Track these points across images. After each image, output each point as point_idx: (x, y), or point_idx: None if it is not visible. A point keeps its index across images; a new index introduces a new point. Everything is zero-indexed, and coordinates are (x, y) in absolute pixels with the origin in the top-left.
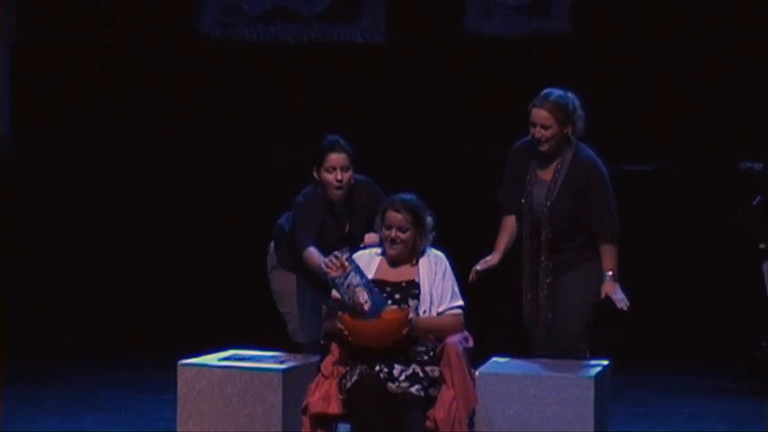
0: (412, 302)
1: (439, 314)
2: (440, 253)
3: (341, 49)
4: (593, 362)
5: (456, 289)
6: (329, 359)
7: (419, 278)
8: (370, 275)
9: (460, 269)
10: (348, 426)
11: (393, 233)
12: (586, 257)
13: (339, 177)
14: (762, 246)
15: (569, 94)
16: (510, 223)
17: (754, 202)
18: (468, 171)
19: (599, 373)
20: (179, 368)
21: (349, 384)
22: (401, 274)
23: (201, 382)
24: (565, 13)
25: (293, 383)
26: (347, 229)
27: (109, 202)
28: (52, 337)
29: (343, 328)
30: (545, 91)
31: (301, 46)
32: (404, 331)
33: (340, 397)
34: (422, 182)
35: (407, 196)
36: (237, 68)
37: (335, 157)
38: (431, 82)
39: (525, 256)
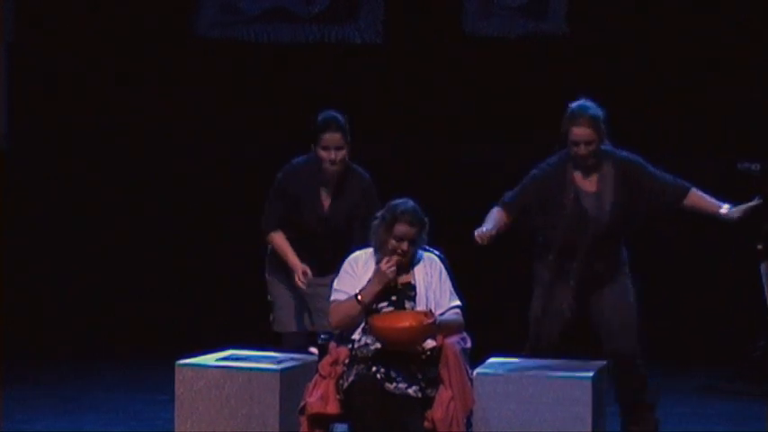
0: (408, 304)
1: (440, 315)
2: (433, 255)
3: (339, 49)
4: (591, 362)
5: (453, 289)
6: (327, 359)
7: (415, 280)
8: (365, 277)
9: (456, 270)
10: (345, 426)
11: (405, 246)
12: (621, 269)
13: (332, 157)
14: (759, 246)
15: (593, 104)
16: (502, 217)
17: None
18: (466, 171)
19: (596, 374)
20: (176, 368)
21: (346, 385)
22: (397, 276)
23: (199, 383)
24: (562, 14)
25: (291, 384)
26: (326, 209)
27: (107, 202)
28: (49, 338)
29: (373, 330)
30: (575, 107)
31: (299, 46)
32: (427, 337)
33: (338, 397)
34: (420, 182)
35: (412, 205)
36: (235, 68)
37: (329, 137)
38: (428, 82)
39: (553, 267)
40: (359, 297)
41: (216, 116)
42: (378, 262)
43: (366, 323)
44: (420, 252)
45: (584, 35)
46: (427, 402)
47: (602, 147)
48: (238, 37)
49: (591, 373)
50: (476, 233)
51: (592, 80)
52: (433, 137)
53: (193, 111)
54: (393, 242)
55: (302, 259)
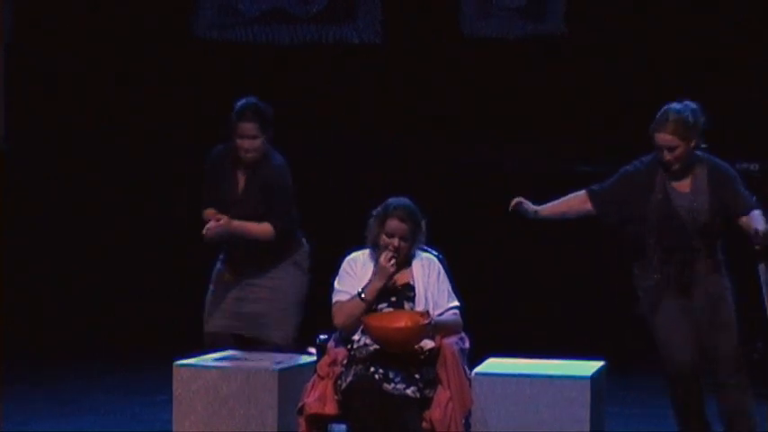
0: (407, 305)
1: (438, 316)
2: (431, 255)
3: (337, 49)
4: (589, 363)
5: (451, 290)
6: (325, 359)
7: (413, 280)
8: (365, 278)
9: (455, 270)
10: (343, 426)
11: (396, 242)
12: (717, 268)
13: (246, 146)
14: (757, 247)
15: (686, 105)
16: (580, 202)
17: None
18: (464, 171)
19: (595, 374)
20: (174, 368)
21: (345, 385)
22: (396, 277)
23: (197, 383)
24: (561, 15)
25: (289, 384)
26: (239, 193)
27: (107, 202)
28: (47, 339)
29: (368, 329)
30: (662, 110)
31: (297, 47)
32: (423, 338)
33: (336, 398)
34: (418, 182)
35: (405, 202)
36: (233, 70)
37: (244, 126)
38: (426, 83)
39: (653, 269)
40: (362, 295)
41: (213, 117)
42: (375, 263)
43: (362, 323)
44: (419, 252)
45: (582, 36)
46: (425, 403)
47: (696, 152)
48: (237, 38)
49: (589, 374)
50: (519, 200)
51: (590, 81)
52: (432, 137)
53: (193, 111)
54: (385, 238)
55: (228, 255)
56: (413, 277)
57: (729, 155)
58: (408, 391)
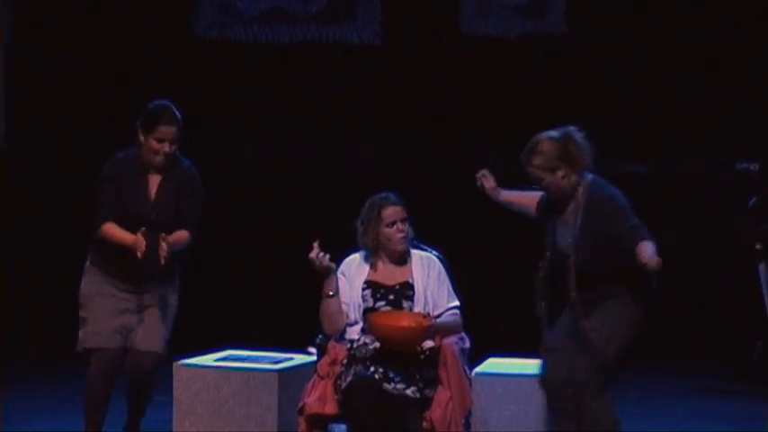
0: (406, 304)
1: (437, 316)
2: (432, 255)
3: (337, 49)
4: None
5: (451, 289)
6: (325, 359)
7: (413, 279)
8: (362, 278)
9: (455, 270)
10: (344, 426)
11: (400, 226)
12: (610, 296)
13: (166, 150)
14: (758, 247)
15: (560, 133)
16: (528, 204)
17: (750, 203)
18: (464, 171)
19: None
20: (175, 368)
21: (345, 385)
22: (394, 276)
23: (197, 383)
24: (561, 13)
25: (289, 384)
26: (153, 199)
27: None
28: (47, 338)
29: (371, 326)
30: (531, 141)
31: (297, 46)
32: (424, 339)
33: (336, 397)
34: (418, 182)
35: (388, 193)
36: (233, 69)
37: (165, 130)
38: (426, 82)
39: (541, 295)
40: (330, 293)
41: (213, 116)
42: (371, 264)
43: (365, 321)
44: (417, 251)
45: (582, 35)
46: (426, 403)
47: (593, 179)
48: (236, 37)
49: None
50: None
51: (590, 80)
52: (432, 137)
53: (191, 111)
54: (387, 230)
55: (123, 266)
56: (412, 276)
57: (729, 155)
58: (408, 391)
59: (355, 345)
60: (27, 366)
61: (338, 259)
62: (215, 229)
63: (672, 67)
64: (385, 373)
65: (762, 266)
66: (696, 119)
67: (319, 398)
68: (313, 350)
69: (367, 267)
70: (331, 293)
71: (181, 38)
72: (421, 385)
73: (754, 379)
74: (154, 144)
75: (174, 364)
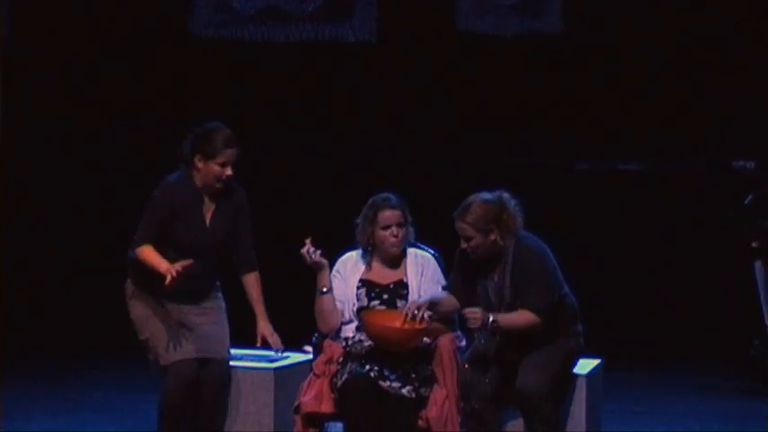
0: (400, 303)
1: (431, 316)
2: (427, 254)
3: (333, 47)
4: (586, 360)
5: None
6: (321, 358)
7: (407, 278)
8: (357, 276)
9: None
10: (339, 425)
11: (394, 230)
12: (542, 342)
13: (229, 173)
14: (754, 244)
15: (496, 197)
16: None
17: (746, 201)
18: (461, 169)
19: (591, 372)
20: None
21: (340, 383)
22: (388, 275)
23: None
24: (557, 12)
25: (285, 382)
26: (208, 224)
27: (100, 200)
28: (47, 338)
29: (365, 326)
30: (467, 200)
31: (293, 45)
32: (418, 341)
33: (332, 396)
34: (419, 182)
35: (390, 194)
36: (229, 68)
37: (231, 153)
38: (423, 80)
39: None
40: (323, 290)
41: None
42: (366, 263)
43: (359, 320)
44: (412, 250)
45: (579, 33)
46: (421, 402)
47: (523, 239)
48: (233, 36)
49: (585, 372)
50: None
51: (587, 78)
52: (432, 138)
53: (186, 110)
54: (382, 232)
55: (174, 286)
56: (406, 275)
57: (728, 154)
58: (404, 390)
59: (350, 342)
60: (27, 366)
61: (334, 257)
62: None
63: (672, 68)
64: (381, 372)
65: (758, 264)
66: (692, 117)
67: (315, 396)
68: (309, 348)
69: (362, 266)
70: (324, 289)
71: (176, 37)
72: (417, 384)
73: (752, 377)
74: (216, 169)
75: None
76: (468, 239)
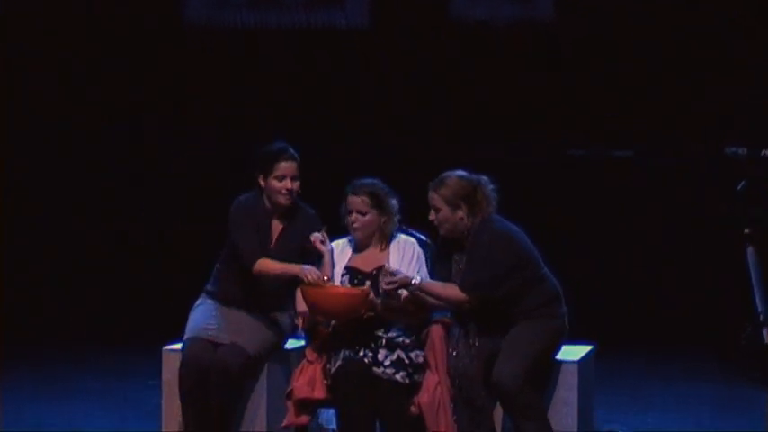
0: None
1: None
2: (411, 238)
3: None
4: (578, 347)
5: (427, 273)
6: (314, 344)
7: (388, 264)
8: (343, 263)
9: None
10: (330, 410)
11: (353, 216)
12: (518, 319)
13: (289, 186)
14: (746, 231)
15: (474, 177)
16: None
17: (739, 187)
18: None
19: (583, 359)
20: (164, 354)
21: (333, 369)
22: (371, 260)
23: None
24: (550, 0)
25: (278, 368)
26: (273, 243)
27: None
28: (38, 324)
29: (305, 297)
30: (446, 173)
31: (286, 31)
32: (363, 310)
33: (325, 382)
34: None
35: (368, 180)
36: (223, 54)
37: (286, 166)
38: (415, 67)
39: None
40: (324, 278)
41: (203, 102)
42: (353, 249)
43: (301, 290)
44: (398, 235)
45: (571, 22)
46: (414, 387)
47: (493, 223)
48: (225, 23)
49: (577, 358)
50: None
51: (579, 67)
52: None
53: (181, 97)
54: (347, 216)
55: (244, 296)
56: (388, 261)
57: (717, 139)
58: (398, 376)
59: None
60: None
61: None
62: (202, 216)
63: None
64: (374, 357)
65: (750, 250)
66: (684, 103)
67: (308, 382)
68: (302, 334)
69: (349, 252)
70: (325, 278)
71: (170, 24)
72: (410, 371)
73: (742, 364)
74: (275, 184)
75: (163, 350)
76: (436, 210)
